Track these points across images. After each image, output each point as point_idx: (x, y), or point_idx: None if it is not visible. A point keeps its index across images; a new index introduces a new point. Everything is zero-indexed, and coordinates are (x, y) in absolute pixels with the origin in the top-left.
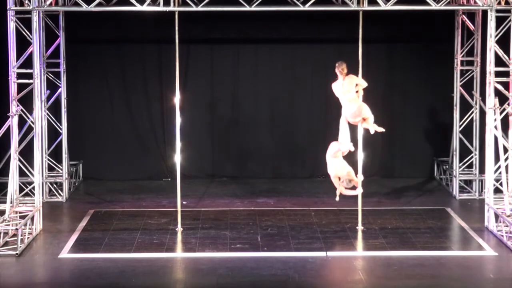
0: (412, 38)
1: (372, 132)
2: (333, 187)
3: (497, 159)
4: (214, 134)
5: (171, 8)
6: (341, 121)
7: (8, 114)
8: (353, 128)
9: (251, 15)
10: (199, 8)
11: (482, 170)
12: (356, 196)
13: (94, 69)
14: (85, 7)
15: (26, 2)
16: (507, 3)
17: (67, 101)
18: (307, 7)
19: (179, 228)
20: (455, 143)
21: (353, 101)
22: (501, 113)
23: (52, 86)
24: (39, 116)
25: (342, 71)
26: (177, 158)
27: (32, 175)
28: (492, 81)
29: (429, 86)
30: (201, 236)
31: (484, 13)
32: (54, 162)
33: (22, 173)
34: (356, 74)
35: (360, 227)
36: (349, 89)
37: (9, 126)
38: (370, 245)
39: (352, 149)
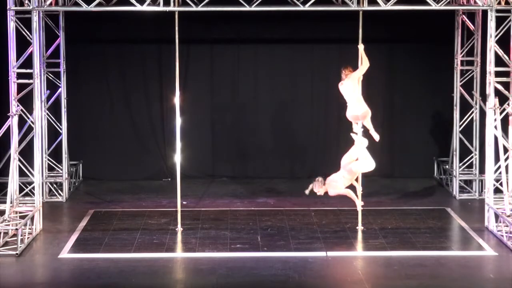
0: (412, 38)
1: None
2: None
3: (497, 159)
4: (214, 134)
5: (171, 8)
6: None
7: (8, 114)
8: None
9: (251, 15)
10: (199, 8)
11: (482, 170)
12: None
13: (94, 69)
14: (85, 7)
15: (26, 2)
16: (507, 3)
17: (67, 101)
18: (307, 7)
19: (179, 228)
20: (455, 143)
21: (361, 102)
22: (501, 113)
23: (52, 86)
24: (39, 116)
25: (345, 74)
26: (177, 158)
27: (32, 175)
28: (492, 81)
29: (429, 86)
30: (201, 236)
31: (484, 13)
32: (54, 162)
33: (22, 173)
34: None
35: (360, 227)
36: (353, 88)
37: (9, 126)
38: (370, 245)
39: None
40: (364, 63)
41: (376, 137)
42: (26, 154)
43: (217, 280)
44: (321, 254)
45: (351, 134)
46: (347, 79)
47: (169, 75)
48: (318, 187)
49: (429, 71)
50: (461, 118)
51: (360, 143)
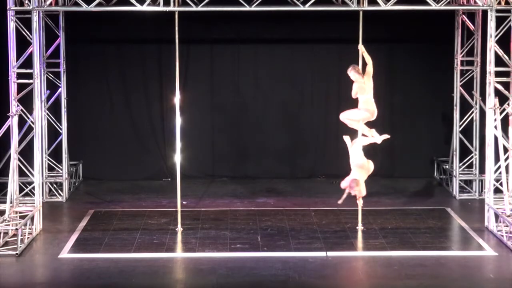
0: (412, 38)
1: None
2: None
3: (497, 159)
4: (214, 134)
5: (171, 8)
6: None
7: (8, 114)
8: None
9: (251, 15)
10: (199, 8)
11: (482, 170)
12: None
13: (94, 69)
14: (85, 7)
15: (26, 2)
16: (507, 3)
17: (67, 101)
18: (307, 7)
19: (179, 228)
20: (455, 143)
21: (373, 100)
22: (501, 113)
23: (52, 86)
24: (39, 116)
25: (359, 72)
26: (177, 158)
27: (32, 175)
28: (492, 81)
29: (429, 86)
30: (201, 236)
31: (484, 13)
32: (54, 162)
33: (22, 173)
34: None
35: (360, 227)
36: (371, 86)
37: (9, 126)
38: (370, 245)
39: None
40: (369, 61)
41: (379, 138)
42: (26, 154)
43: (217, 280)
44: (321, 254)
45: (344, 137)
46: (367, 77)
47: (169, 75)
48: (355, 186)
49: (429, 71)
50: (461, 118)
51: (361, 141)
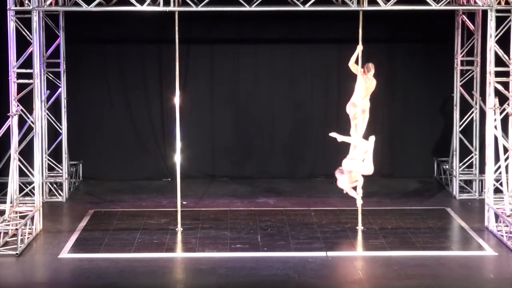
0: (412, 38)
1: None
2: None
3: (497, 159)
4: (214, 134)
5: (171, 8)
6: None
7: (8, 114)
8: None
9: (251, 15)
10: (199, 8)
11: (482, 170)
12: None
13: (94, 69)
14: (85, 7)
15: (26, 2)
16: (507, 3)
17: (67, 101)
18: (307, 7)
19: (179, 228)
20: (455, 143)
21: None
22: (501, 113)
23: (52, 86)
24: (39, 116)
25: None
26: (177, 158)
27: (32, 175)
28: (492, 81)
29: (429, 86)
30: (201, 236)
31: (484, 13)
32: (54, 162)
33: (22, 173)
34: (355, 74)
35: (360, 227)
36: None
37: (9, 126)
38: (370, 245)
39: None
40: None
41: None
42: (26, 154)
43: (217, 280)
44: (321, 254)
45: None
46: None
47: (169, 75)
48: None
49: (429, 71)
50: (461, 118)
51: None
